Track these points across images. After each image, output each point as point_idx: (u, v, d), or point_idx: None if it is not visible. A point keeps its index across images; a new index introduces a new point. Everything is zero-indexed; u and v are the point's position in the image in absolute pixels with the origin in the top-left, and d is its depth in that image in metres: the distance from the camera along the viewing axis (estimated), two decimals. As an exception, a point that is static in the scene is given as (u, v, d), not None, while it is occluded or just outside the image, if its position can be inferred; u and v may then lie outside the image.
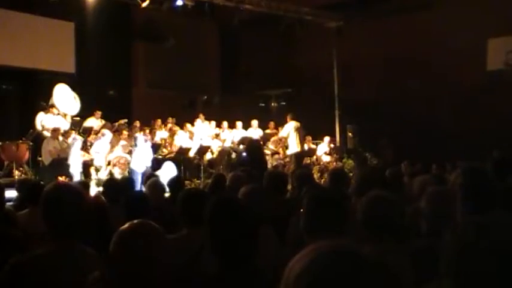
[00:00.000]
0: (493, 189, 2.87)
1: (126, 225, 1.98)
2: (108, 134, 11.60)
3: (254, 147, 8.67)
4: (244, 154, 9.17)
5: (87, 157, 11.18)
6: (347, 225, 2.50)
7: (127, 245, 1.92)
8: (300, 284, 0.98)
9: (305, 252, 1.02)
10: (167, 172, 10.76)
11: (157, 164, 11.69)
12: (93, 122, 12.51)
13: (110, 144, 11.51)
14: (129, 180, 6.31)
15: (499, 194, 2.91)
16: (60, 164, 10.21)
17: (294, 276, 1.00)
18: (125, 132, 12.08)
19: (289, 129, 13.00)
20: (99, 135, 11.60)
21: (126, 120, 12.68)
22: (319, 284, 0.97)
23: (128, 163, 11.05)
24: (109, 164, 11.11)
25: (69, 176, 9.91)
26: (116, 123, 12.37)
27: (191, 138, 13.24)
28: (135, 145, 11.38)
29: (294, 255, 1.04)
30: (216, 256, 2.05)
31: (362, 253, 1.01)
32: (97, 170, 10.86)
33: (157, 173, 10.44)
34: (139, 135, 11.72)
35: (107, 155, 11.24)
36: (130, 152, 11.37)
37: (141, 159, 11.05)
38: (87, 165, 10.97)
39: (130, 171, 10.86)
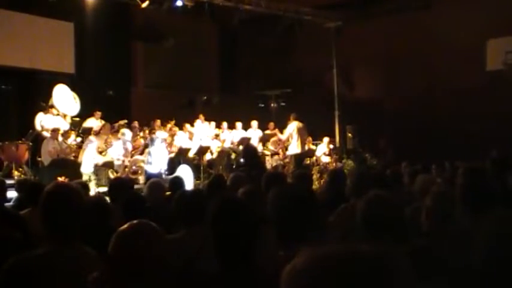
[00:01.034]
0: (493, 189, 2.87)
1: (125, 226, 1.98)
2: (128, 134, 11.52)
3: (249, 151, 8.66)
4: (241, 160, 9.16)
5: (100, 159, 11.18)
6: (319, 223, 2.45)
7: (126, 245, 1.92)
8: (298, 285, 0.98)
9: (304, 254, 1.02)
10: (183, 175, 10.69)
11: (172, 166, 11.63)
12: (93, 122, 12.49)
13: (132, 145, 11.53)
14: (127, 181, 6.31)
15: (498, 193, 2.91)
16: (60, 164, 10.20)
17: (292, 277, 0.99)
18: (124, 133, 12.08)
19: (291, 131, 12.91)
20: (119, 135, 11.55)
21: (126, 121, 12.67)
22: (318, 285, 0.96)
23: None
24: (125, 167, 11.06)
25: (74, 175, 9.83)
26: (116, 124, 12.35)
27: (191, 138, 13.24)
28: (152, 145, 11.34)
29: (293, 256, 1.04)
30: (217, 255, 2.06)
31: (363, 253, 1.00)
32: (116, 173, 10.73)
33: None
34: (155, 136, 11.67)
35: (126, 158, 11.20)
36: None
37: (156, 161, 10.97)
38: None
39: (146, 173, 10.83)
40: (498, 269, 1.19)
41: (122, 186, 5.41)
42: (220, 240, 2.06)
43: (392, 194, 2.98)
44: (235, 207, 2.15)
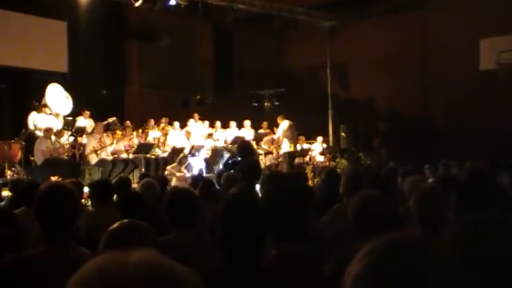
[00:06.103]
0: (491, 189, 2.89)
1: (115, 225, 1.98)
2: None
3: (244, 148, 8.64)
4: (238, 158, 9.05)
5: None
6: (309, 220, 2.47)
7: (115, 244, 1.91)
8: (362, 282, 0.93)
9: (362, 251, 0.97)
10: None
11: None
12: (82, 121, 12.38)
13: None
14: (123, 181, 6.28)
15: (495, 193, 2.93)
16: (53, 163, 10.15)
17: (354, 275, 0.95)
18: (119, 132, 11.99)
19: (284, 129, 12.95)
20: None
21: (114, 119, 12.57)
22: (381, 281, 0.92)
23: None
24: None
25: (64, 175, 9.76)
26: (105, 122, 12.23)
27: (188, 137, 13.23)
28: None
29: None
30: (225, 253, 2.07)
31: (424, 243, 0.97)
32: None
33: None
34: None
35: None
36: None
37: None
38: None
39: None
40: (476, 271, 1.19)
41: (113, 186, 5.41)
42: (229, 236, 2.06)
43: (384, 193, 3.00)
44: (247, 203, 2.16)
